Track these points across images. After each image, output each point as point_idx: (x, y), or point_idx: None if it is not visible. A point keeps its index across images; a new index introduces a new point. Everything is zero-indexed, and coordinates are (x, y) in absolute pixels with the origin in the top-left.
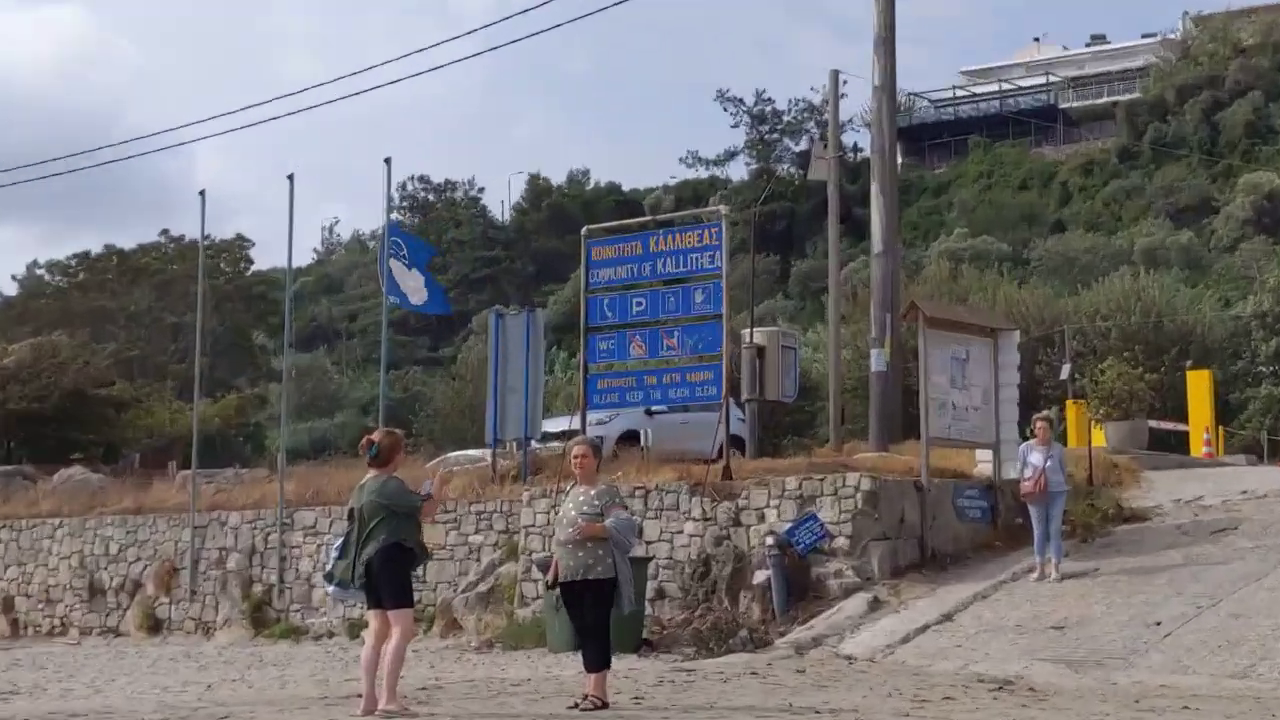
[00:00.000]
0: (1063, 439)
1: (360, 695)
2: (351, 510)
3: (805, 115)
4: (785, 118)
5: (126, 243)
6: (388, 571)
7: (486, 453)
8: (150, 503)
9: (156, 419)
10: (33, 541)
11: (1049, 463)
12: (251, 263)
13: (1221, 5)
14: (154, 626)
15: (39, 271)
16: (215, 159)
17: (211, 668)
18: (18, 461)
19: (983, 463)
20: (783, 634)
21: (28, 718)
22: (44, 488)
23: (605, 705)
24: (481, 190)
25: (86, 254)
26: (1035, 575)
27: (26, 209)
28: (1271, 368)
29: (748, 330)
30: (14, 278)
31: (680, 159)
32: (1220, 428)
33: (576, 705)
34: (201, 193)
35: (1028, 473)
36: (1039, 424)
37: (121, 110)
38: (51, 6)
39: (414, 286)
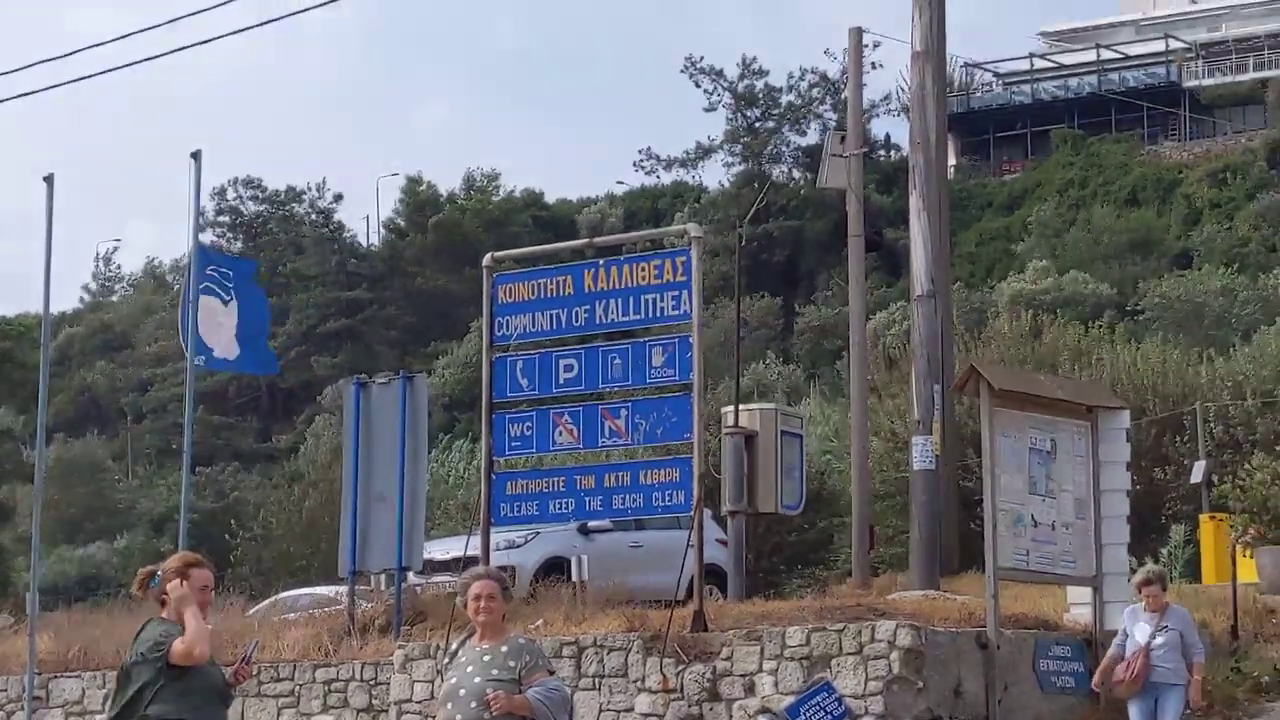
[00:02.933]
0: (1194, 571)
1: None
2: (121, 669)
3: (815, 94)
4: (785, 97)
5: None
6: None
7: (340, 590)
8: None
9: None
10: None
11: (1159, 638)
12: None
13: None
14: None
15: None
16: None
17: None
18: None
19: (1078, 606)
20: None
21: None
22: None
23: None
24: (338, 199)
25: None
26: None
27: None
28: None
29: (731, 408)
30: None
31: (634, 160)
32: None
33: None
34: None
35: (1128, 650)
36: (1146, 591)
37: None
38: None
39: (228, 334)
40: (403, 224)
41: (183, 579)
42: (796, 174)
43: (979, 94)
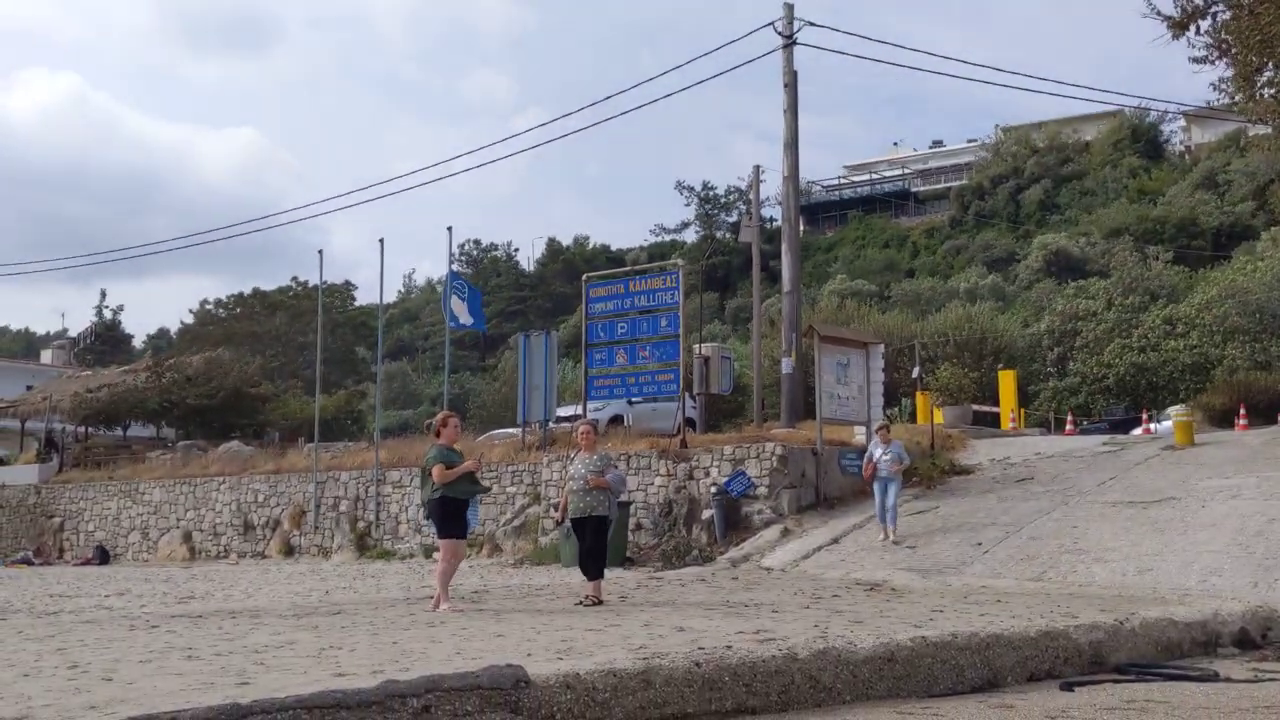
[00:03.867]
0: (912, 418)
1: (432, 597)
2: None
3: (736, 197)
4: (722, 199)
5: (273, 288)
6: (432, 513)
7: (518, 430)
8: (286, 465)
9: (290, 408)
10: (205, 493)
11: (886, 456)
12: (355, 300)
13: (1022, 119)
14: (289, 551)
15: (208, 307)
16: (337, 229)
17: (329, 579)
18: (194, 438)
19: (859, 435)
20: (722, 553)
21: (201, 613)
22: (212, 456)
23: (600, 603)
24: (516, 249)
25: (240, 294)
26: (881, 537)
27: (212, 266)
28: (1056, 368)
29: (698, 345)
30: (190, 311)
31: (650, 229)
32: (1022, 409)
33: (581, 603)
34: (320, 252)
35: (873, 459)
36: (878, 430)
37: (281, 199)
38: (233, 129)
39: (464, 313)
40: (545, 260)
41: (444, 425)
42: (728, 235)
43: (814, 196)
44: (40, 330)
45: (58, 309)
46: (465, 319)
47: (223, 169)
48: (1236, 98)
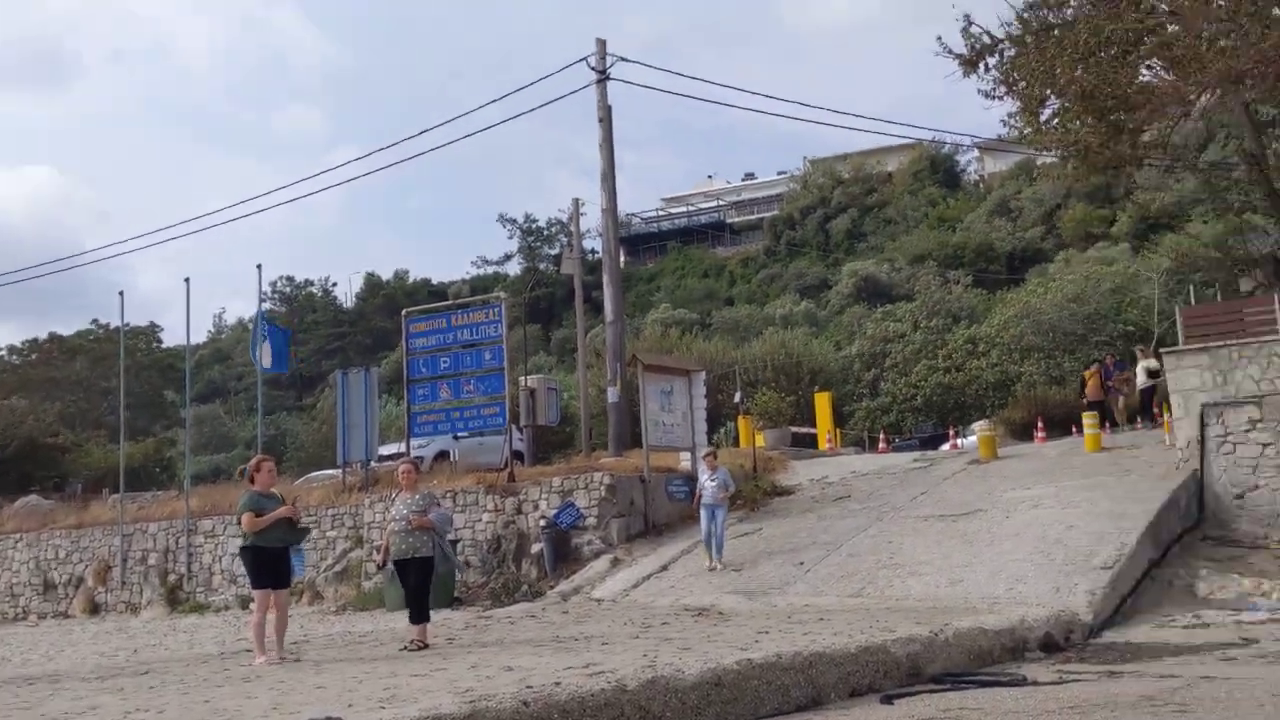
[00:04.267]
0: (735, 442)
1: (250, 650)
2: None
3: (558, 229)
4: (544, 231)
5: (72, 331)
6: (245, 564)
7: (338, 472)
8: (89, 519)
9: (93, 458)
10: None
11: (712, 483)
12: (161, 342)
13: (829, 151)
14: (94, 609)
15: (0, 353)
16: (144, 268)
17: (138, 637)
18: None
19: (684, 461)
20: (553, 587)
21: None
22: (7, 512)
23: (426, 646)
24: (334, 285)
25: (35, 339)
26: (708, 565)
27: (3, 312)
28: (868, 389)
29: (523, 378)
30: None
31: (473, 261)
32: (838, 429)
33: (406, 648)
34: (120, 293)
35: (701, 485)
36: (705, 456)
37: (82, 239)
38: (29, 167)
39: (267, 355)
40: (365, 295)
41: (258, 470)
42: (551, 267)
43: (633, 227)
44: None
45: None
46: (267, 361)
47: (16, 209)
48: (1025, 130)
